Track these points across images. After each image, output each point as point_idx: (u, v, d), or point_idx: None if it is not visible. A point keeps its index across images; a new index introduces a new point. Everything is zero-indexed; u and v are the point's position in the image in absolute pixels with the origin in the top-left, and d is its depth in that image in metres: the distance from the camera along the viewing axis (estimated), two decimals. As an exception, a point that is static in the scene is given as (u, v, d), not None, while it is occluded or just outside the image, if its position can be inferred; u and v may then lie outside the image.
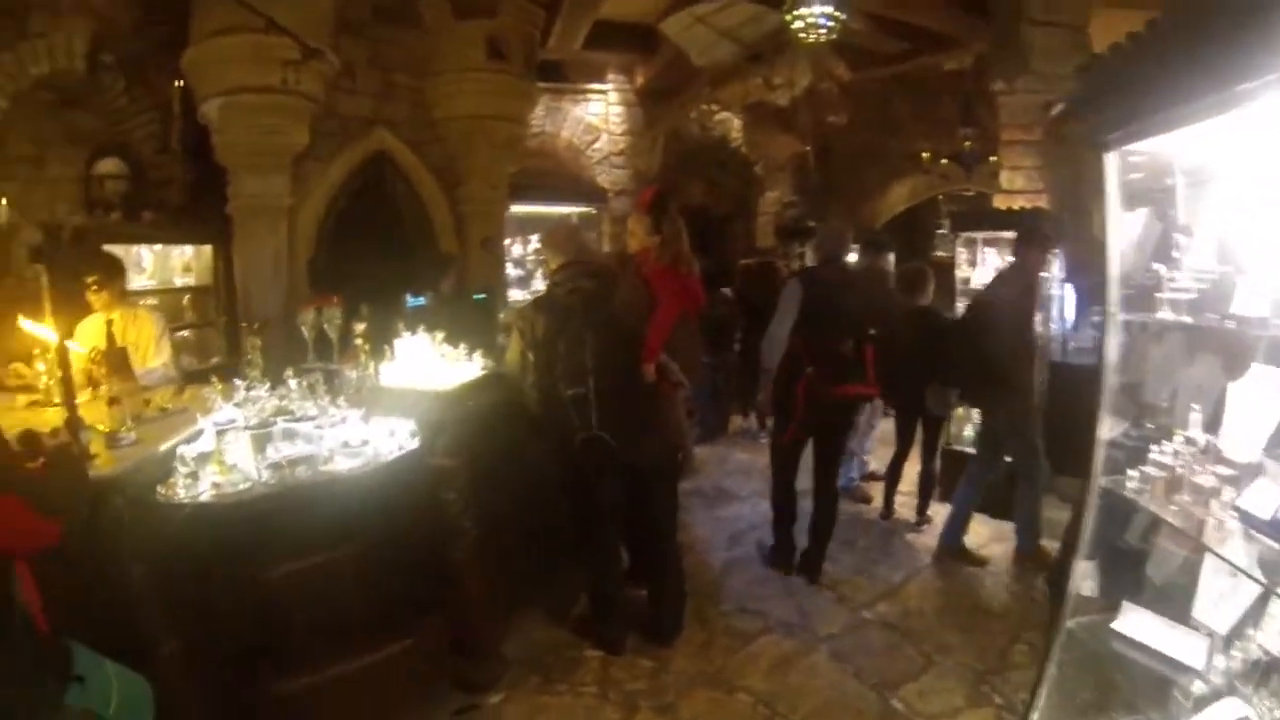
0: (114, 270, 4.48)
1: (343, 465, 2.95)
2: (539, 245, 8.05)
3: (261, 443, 2.92)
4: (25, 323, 4.21)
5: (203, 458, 2.78)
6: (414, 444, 3.19)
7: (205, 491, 2.70)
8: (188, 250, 6.63)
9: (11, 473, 1.77)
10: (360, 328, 4.16)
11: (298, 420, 3.05)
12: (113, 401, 3.00)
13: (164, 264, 6.54)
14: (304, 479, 2.84)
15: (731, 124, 10.67)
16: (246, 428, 2.96)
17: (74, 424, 2.62)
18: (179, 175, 6.51)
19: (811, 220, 10.21)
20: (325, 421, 3.10)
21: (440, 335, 4.14)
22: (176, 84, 6.27)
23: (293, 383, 3.33)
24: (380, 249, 7.06)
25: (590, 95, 9.12)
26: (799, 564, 4.67)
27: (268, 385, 3.35)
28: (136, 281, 6.16)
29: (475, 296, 6.65)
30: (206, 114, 6.09)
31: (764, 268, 8.27)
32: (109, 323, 4.30)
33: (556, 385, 3.60)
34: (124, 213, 6.17)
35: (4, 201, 5.91)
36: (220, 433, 2.89)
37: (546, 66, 8.37)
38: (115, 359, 3.65)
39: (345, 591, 2.97)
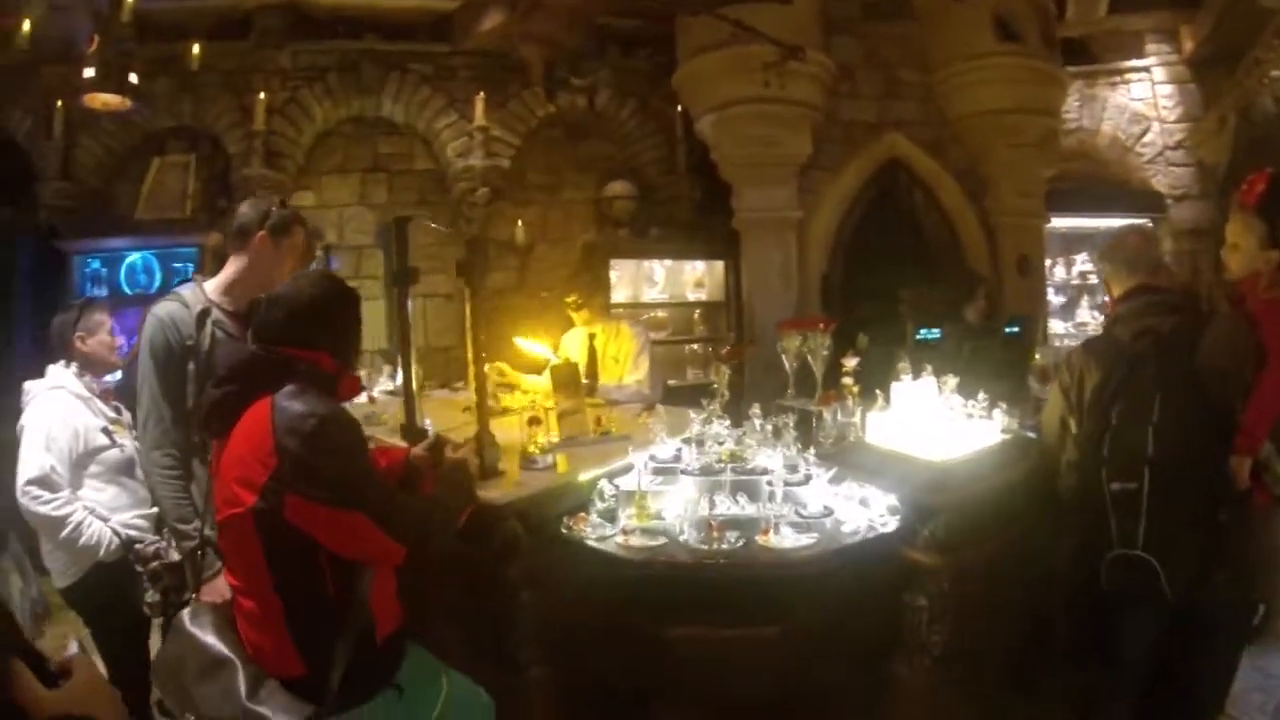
0: (593, 288, 4.57)
1: (787, 539, 2.33)
2: (1096, 261, 6.32)
3: (699, 492, 2.53)
4: (520, 340, 4.45)
5: (625, 496, 2.50)
6: (890, 524, 2.44)
7: (615, 535, 2.39)
8: (699, 266, 6.63)
9: (369, 491, 1.76)
10: (850, 363, 3.25)
11: (749, 473, 2.58)
12: (533, 422, 2.77)
13: (676, 279, 6.63)
14: (733, 552, 2.30)
15: (1320, 89, 7.85)
16: (683, 471, 2.62)
17: (483, 439, 2.60)
18: (686, 193, 6.60)
19: None
20: (781, 477, 2.52)
21: (951, 381, 3.15)
22: (677, 107, 6.46)
23: (758, 423, 2.79)
24: (899, 266, 6.20)
25: (1129, 76, 7.26)
26: None
27: (727, 422, 2.87)
28: (648, 294, 6.46)
29: (1007, 329, 5.43)
30: (702, 131, 6.07)
31: None
32: (591, 337, 4.38)
33: (1100, 470, 2.54)
34: (631, 229, 6.44)
35: (520, 224, 6.48)
36: (657, 471, 2.63)
37: (1070, 46, 6.82)
38: (563, 376, 3.34)
39: (753, 670, 2.36)
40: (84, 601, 2.84)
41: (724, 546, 2.28)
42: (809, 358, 3.36)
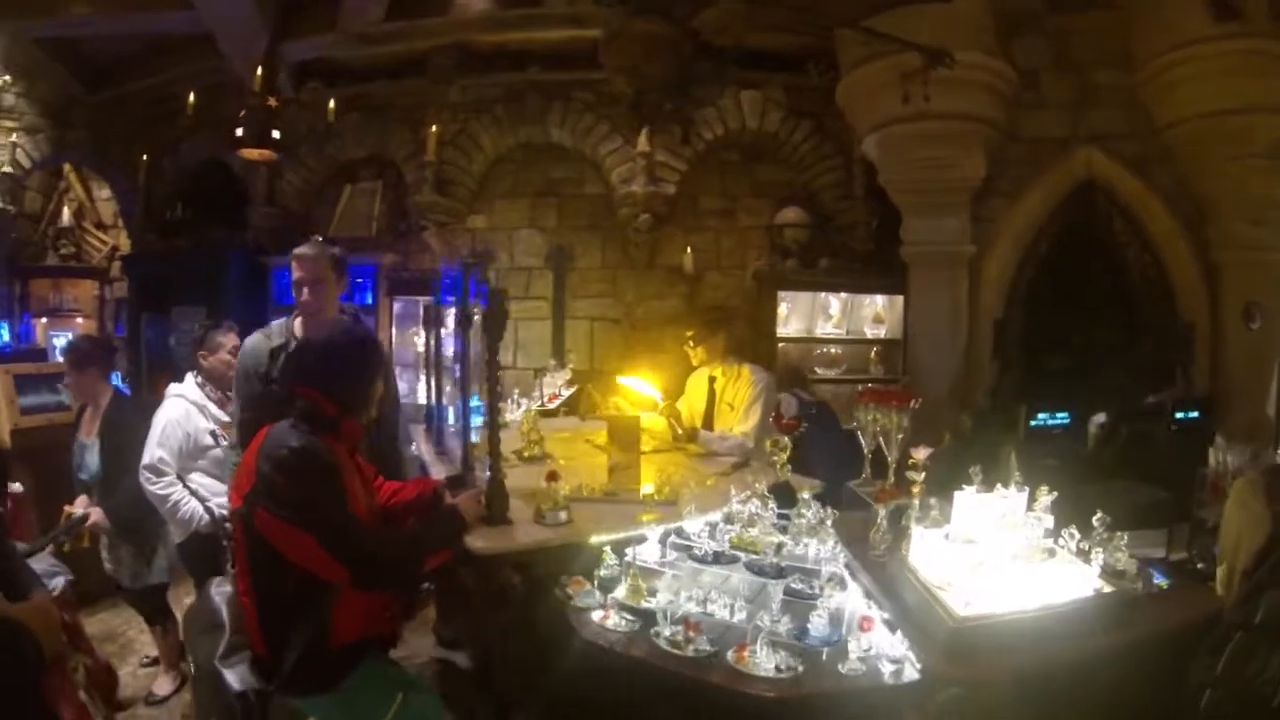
0: (714, 326, 4.30)
1: (761, 664, 1.98)
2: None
3: (689, 582, 2.33)
4: (625, 379, 4.46)
5: (626, 568, 2.38)
6: (905, 674, 1.96)
7: (597, 608, 2.30)
8: (879, 300, 6.16)
9: (324, 517, 2.01)
10: (920, 454, 2.64)
11: (759, 569, 2.31)
12: (550, 476, 2.67)
13: (854, 313, 6.21)
14: (696, 661, 2.04)
15: None
16: (691, 555, 2.41)
17: (496, 488, 2.62)
18: (863, 220, 6.11)
19: None
20: (782, 585, 2.25)
21: (1045, 499, 2.39)
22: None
23: (808, 512, 2.49)
24: (1094, 313, 5.37)
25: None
26: None
27: (772, 505, 2.56)
28: (820, 328, 6.12)
29: (1178, 413, 3.90)
30: (868, 153, 5.57)
31: None
32: (711, 380, 4.19)
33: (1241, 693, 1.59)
34: (801, 260, 6.07)
35: (689, 250, 6.30)
36: (675, 548, 2.44)
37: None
38: (619, 428, 3.17)
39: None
40: (187, 558, 3.53)
41: (689, 653, 2.05)
42: (882, 440, 2.87)
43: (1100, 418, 3.80)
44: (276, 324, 3.18)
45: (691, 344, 4.28)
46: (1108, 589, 2.19)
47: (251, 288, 6.33)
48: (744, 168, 6.51)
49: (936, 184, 5.27)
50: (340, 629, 2.12)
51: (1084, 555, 2.29)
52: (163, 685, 3.79)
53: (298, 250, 3.12)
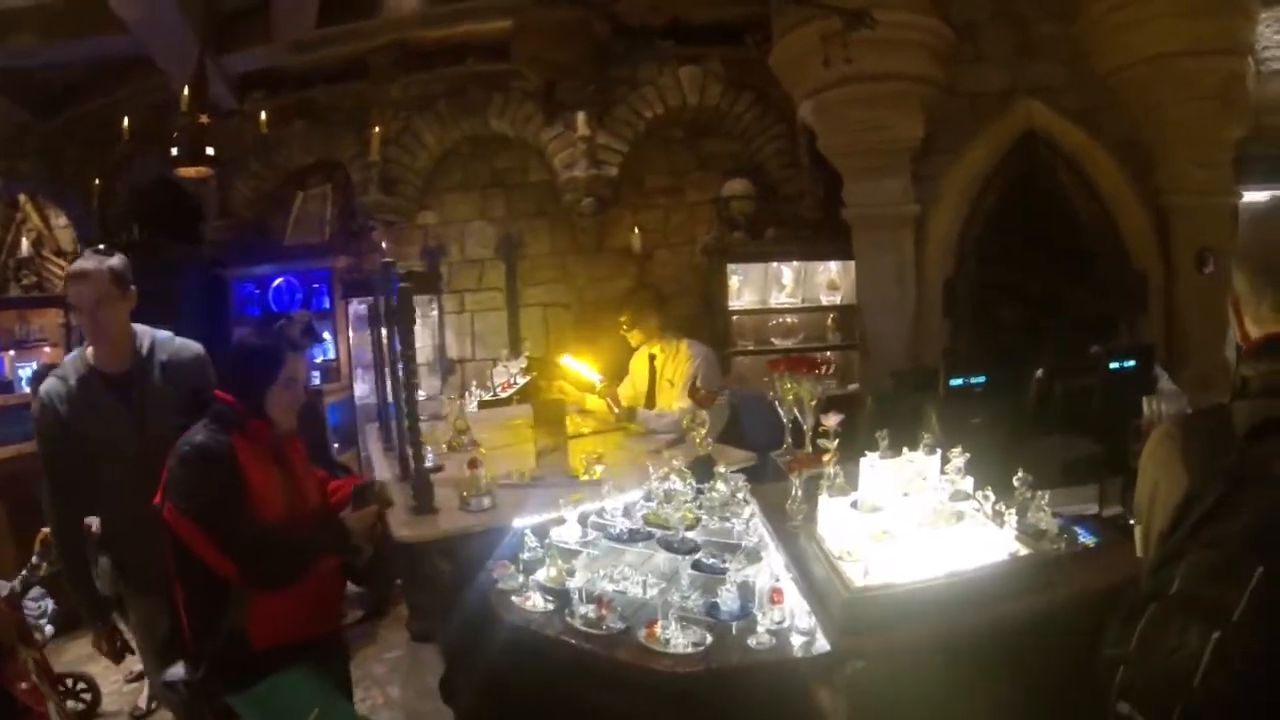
0: (647, 308, 4.31)
1: (673, 640, 1.97)
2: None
3: (607, 562, 2.33)
4: (567, 359, 4.49)
5: (549, 549, 2.38)
6: (817, 644, 1.91)
7: (517, 590, 2.30)
8: (833, 266, 6.15)
9: (213, 511, 2.11)
10: (830, 420, 2.61)
11: (669, 544, 2.33)
12: (472, 464, 2.74)
13: (808, 281, 6.20)
14: (608, 638, 2.05)
15: None
16: (606, 535, 2.42)
17: (418, 479, 2.71)
18: (809, 189, 6.11)
19: None
20: (689, 561, 2.26)
21: (958, 460, 2.34)
22: (798, 97, 5.89)
23: (721, 485, 2.53)
24: (1047, 265, 5.27)
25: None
26: None
27: (690, 481, 2.58)
28: (775, 299, 6.11)
29: (1113, 362, 3.46)
30: (805, 120, 5.49)
31: None
32: (651, 358, 4.20)
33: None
34: (748, 231, 6.06)
35: (636, 231, 6.32)
36: (595, 528, 2.46)
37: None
38: (545, 412, 3.21)
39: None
40: None
41: (601, 631, 2.05)
42: (797, 410, 2.86)
43: (1039, 373, 3.80)
44: (69, 360, 2.76)
45: (626, 326, 4.31)
46: (1024, 551, 2.11)
47: (210, 301, 6.38)
48: (689, 144, 6.52)
49: (874, 146, 5.19)
50: (258, 630, 2.19)
51: (998, 517, 2.20)
52: (146, 699, 3.85)
53: (71, 268, 2.71)
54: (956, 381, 3.35)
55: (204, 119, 4.48)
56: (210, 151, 4.42)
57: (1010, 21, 5.26)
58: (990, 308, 5.30)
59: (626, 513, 2.51)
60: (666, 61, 6.10)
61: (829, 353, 5.85)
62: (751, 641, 1.93)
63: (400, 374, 2.88)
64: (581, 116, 6.10)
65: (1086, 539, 2.37)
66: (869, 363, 5.42)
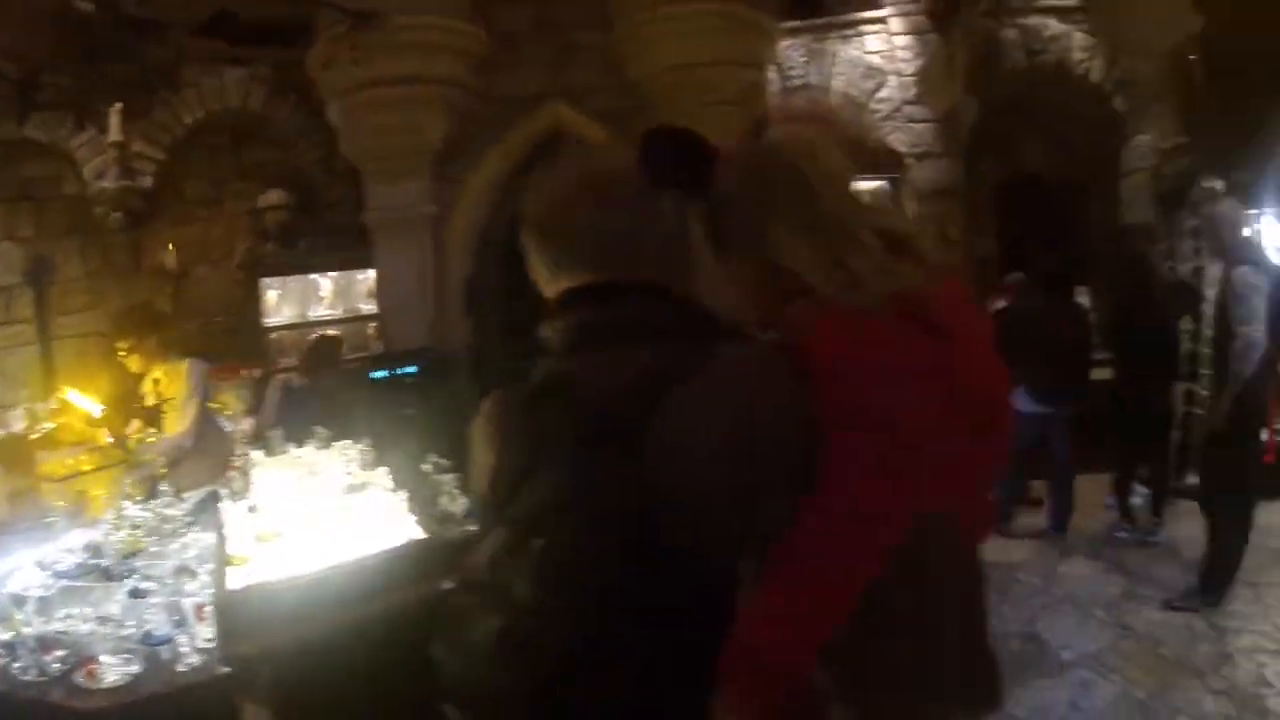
0: (144, 328, 3.89)
1: (110, 673, 1.87)
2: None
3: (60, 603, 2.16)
4: (71, 394, 4.16)
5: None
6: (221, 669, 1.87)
7: None
8: (371, 275, 5.81)
9: None
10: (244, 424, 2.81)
11: (111, 572, 2.29)
12: None
13: (349, 291, 5.88)
14: (44, 685, 1.89)
15: (1071, 41, 6.83)
16: (55, 574, 2.33)
17: None
18: (346, 196, 5.91)
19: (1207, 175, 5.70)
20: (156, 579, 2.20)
21: (353, 452, 2.49)
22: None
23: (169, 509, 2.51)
24: None
25: (864, 28, 6.58)
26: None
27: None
28: (314, 311, 5.74)
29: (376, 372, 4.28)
30: (332, 122, 5.38)
31: (1133, 263, 5.48)
32: (155, 383, 3.80)
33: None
34: (280, 242, 5.82)
35: (171, 247, 5.91)
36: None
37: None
38: (8, 451, 3.15)
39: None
40: None
41: (44, 677, 1.86)
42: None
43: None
44: None
45: (124, 353, 3.83)
46: (424, 536, 2.10)
47: None
48: (232, 151, 6.20)
49: (395, 149, 5.16)
50: None
51: (396, 506, 2.23)
52: None
53: None
54: (379, 374, 3.35)
55: None
56: None
57: (551, 29, 5.41)
58: (511, 306, 5.32)
59: (93, 549, 2.41)
60: (218, 62, 5.82)
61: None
62: (180, 664, 1.88)
63: None
64: (115, 120, 5.61)
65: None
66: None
